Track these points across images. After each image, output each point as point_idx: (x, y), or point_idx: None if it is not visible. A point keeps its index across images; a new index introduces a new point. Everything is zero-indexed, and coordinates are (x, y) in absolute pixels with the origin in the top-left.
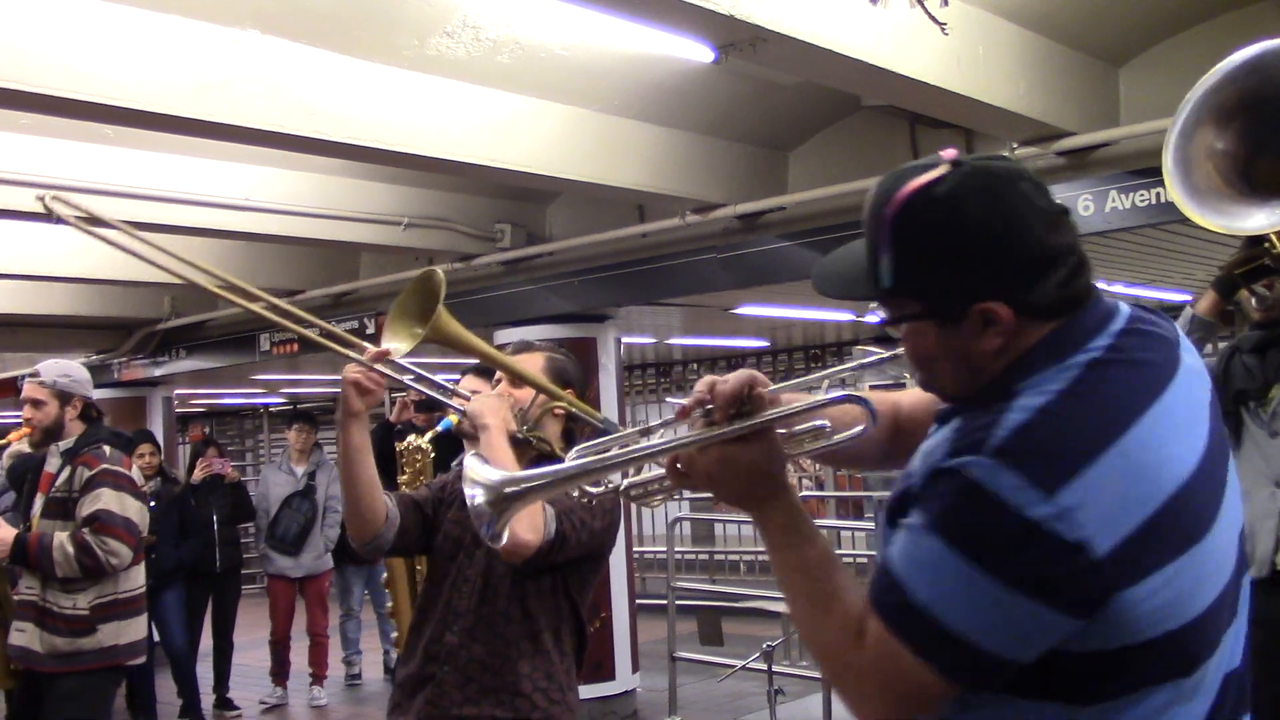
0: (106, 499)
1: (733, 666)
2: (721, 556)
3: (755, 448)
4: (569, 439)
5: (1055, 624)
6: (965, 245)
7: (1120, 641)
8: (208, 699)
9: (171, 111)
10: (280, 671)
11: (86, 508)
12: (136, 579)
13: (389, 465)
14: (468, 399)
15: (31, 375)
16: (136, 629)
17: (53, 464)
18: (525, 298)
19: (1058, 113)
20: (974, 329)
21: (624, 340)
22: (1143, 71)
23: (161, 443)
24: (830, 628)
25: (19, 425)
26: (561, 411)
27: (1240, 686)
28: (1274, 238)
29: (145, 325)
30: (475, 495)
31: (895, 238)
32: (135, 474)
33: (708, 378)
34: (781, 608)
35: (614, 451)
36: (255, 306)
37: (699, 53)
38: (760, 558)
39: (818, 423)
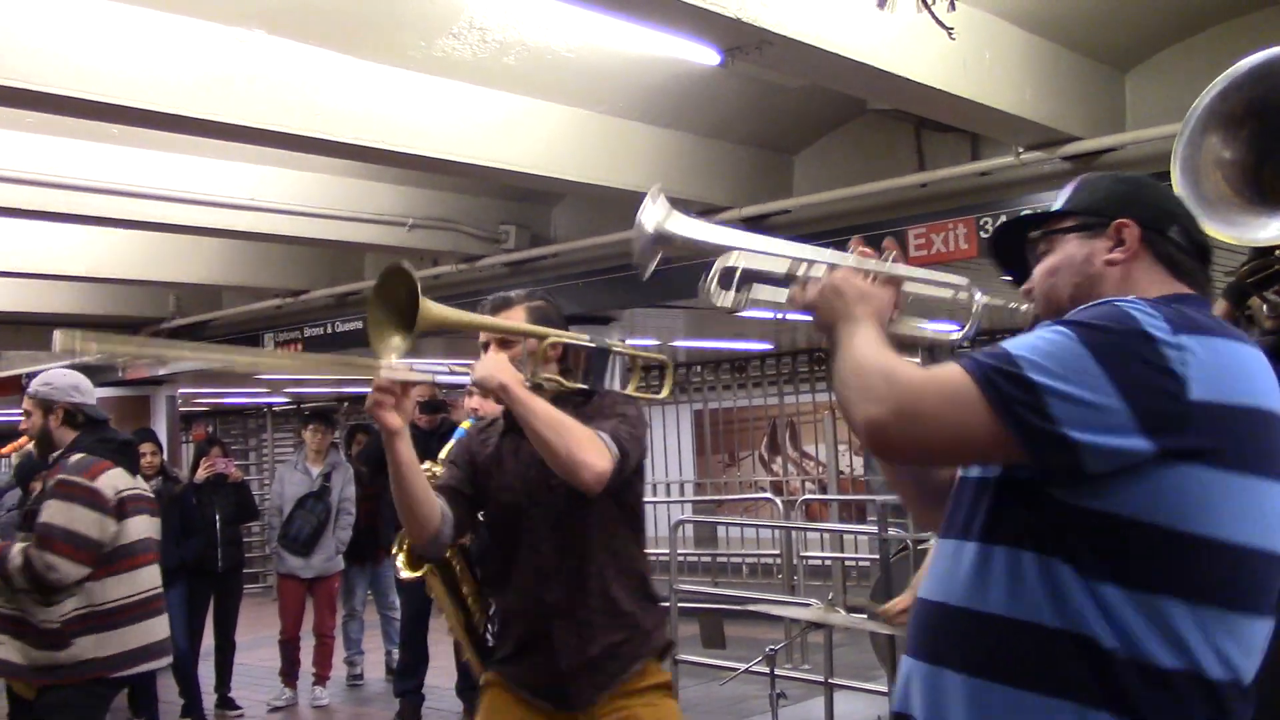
0: (51, 511)
1: (735, 669)
2: (724, 559)
3: (874, 287)
4: (567, 376)
5: (1125, 423)
6: (1128, 180)
7: (1169, 521)
8: (209, 699)
9: (177, 111)
10: (289, 672)
11: (39, 519)
12: (115, 590)
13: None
14: (467, 371)
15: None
16: (121, 640)
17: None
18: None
19: (1063, 117)
20: (1107, 243)
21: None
22: (1149, 76)
23: (165, 442)
24: (891, 359)
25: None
26: (556, 352)
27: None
28: None
29: (150, 324)
30: (641, 227)
31: (1076, 184)
32: (106, 482)
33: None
34: (784, 611)
35: (768, 244)
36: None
37: (705, 55)
38: (762, 560)
39: (921, 320)
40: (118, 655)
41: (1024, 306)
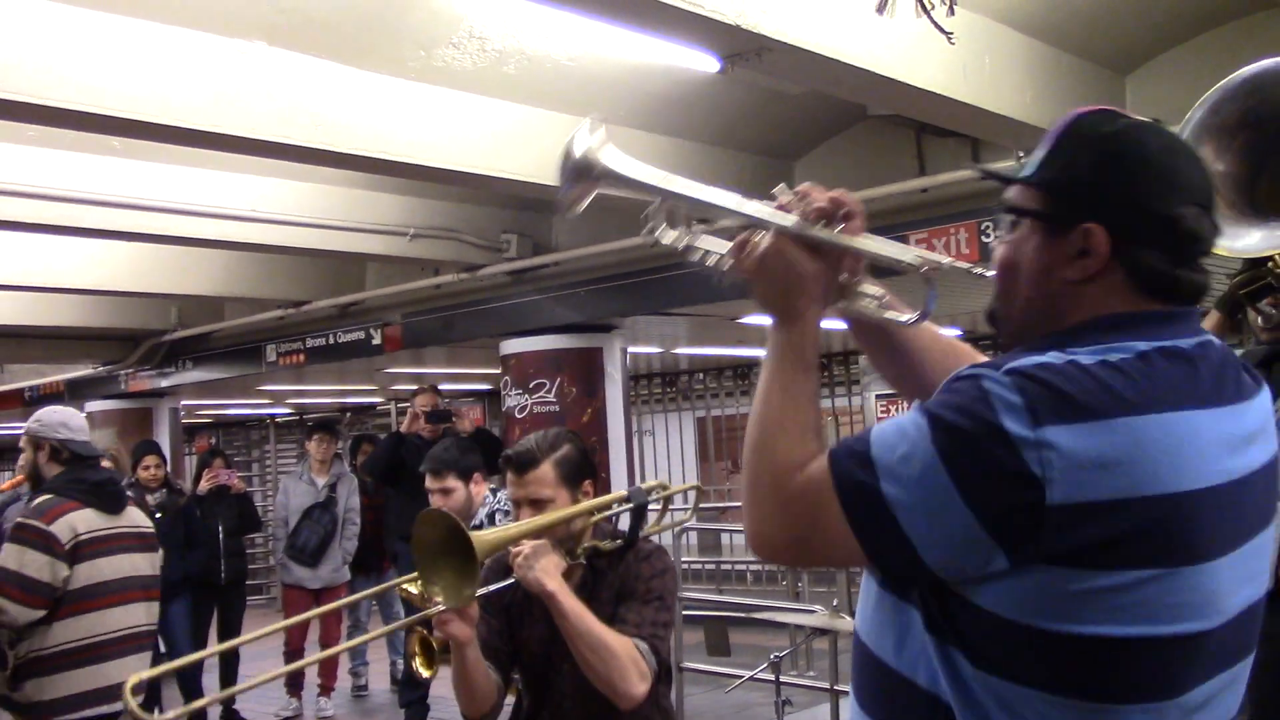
0: (5, 555)
1: (740, 677)
2: (728, 566)
3: (818, 264)
4: (599, 533)
5: (976, 544)
6: (1114, 162)
7: (1048, 621)
8: (214, 710)
9: (179, 123)
10: (295, 683)
11: None
12: (63, 635)
13: (400, 474)
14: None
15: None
16: (68, 684)
17: None
18: (532, 308)
19: None
20: (1070, 250)
21: (630, 350)
22: (1149, 80)
23: (168, 454)
24: (780, 447)
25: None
26: (587, 525)
27: None
28: (1277, 256)
29: (152, 336)
30: (569, 151)
31: (1059, 136)
32: (63, 526)
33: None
34: (790, 618)
35: (706, 192)
36: None
37: (704, 63)
38: (767, 567)
39: (878, 291)
40: (60, 700)
41: (989, 273)
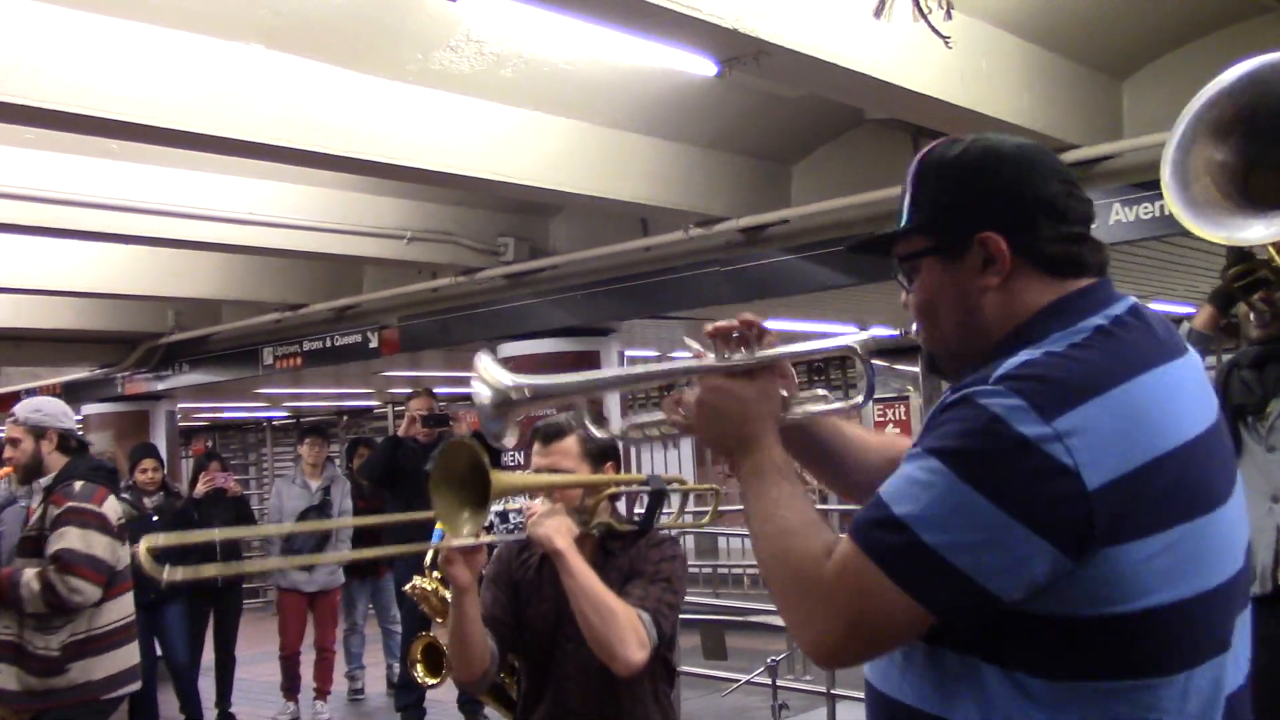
0: (70, 538)
1: (737, 681)
2: (725, 570)
3: (753, 386)
4: (617, 515)
5: (1038, 553)
6: (973, 173)
7: (1105, 607)
8: (210, 714)
9: (175, 126)
10: (291, 686)
11: (52, 546)
12: (112, 614)
13: (396, 478)
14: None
15: (9, 416)
16: (114, 663)
17: (35, 501)
18: (528, 311)
19: (1061, 126)
20: (974, 265)
21: (627, 354)
22: (1146, 84)
23: (164, 457)
24: (796, 548)
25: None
26: (613, 491)
27: (1243, 710)
28: (1271, 251)
29: (148, 339)
30: (481, 394)
31: (914, 179)
32: (109, 508)
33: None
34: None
35: (617, 371)
36: None
37: (702, 66)
38: None
39: (819, 390)
40: (109, 678)
41: (913, 329)
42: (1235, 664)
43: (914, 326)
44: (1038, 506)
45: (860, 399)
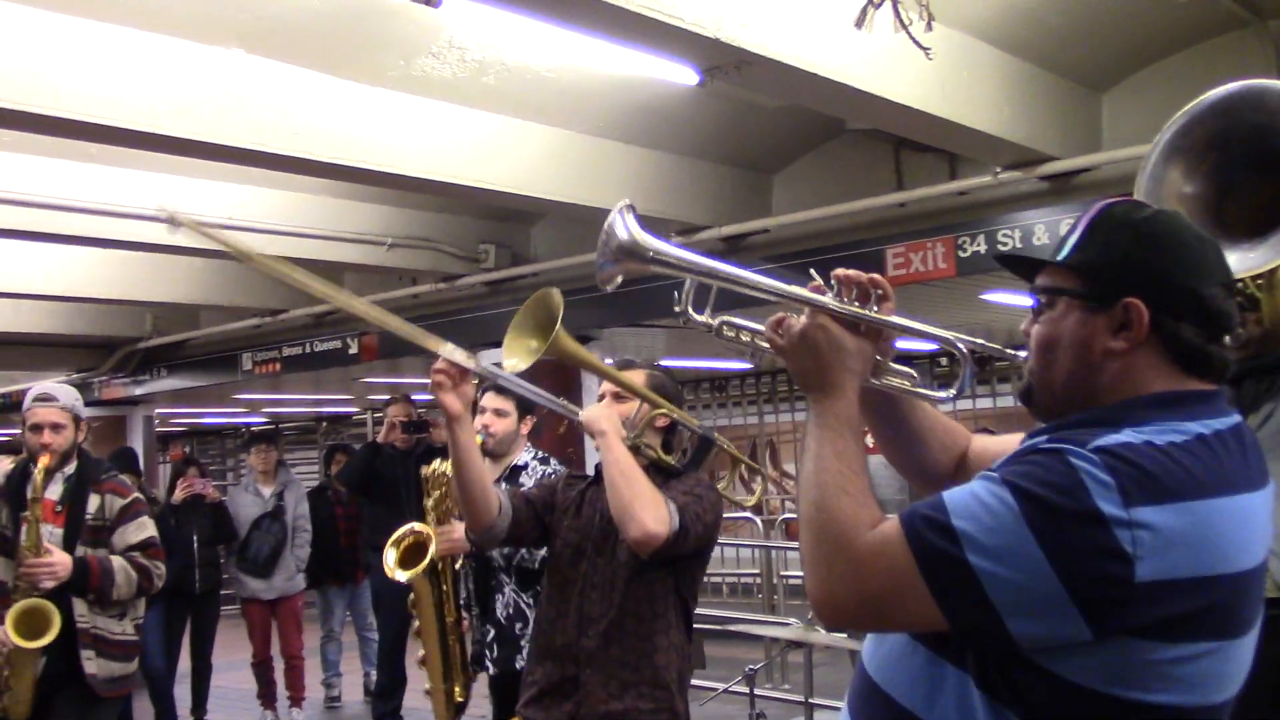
0: (149, 526)
1: (715, 690)
2: (705, 578)
3: (858, 339)
4: (667, 450)
5: (1065, 616)
6: (1148, 242)
7: (1118, 689)
8: None
9: (156, 130)
10: (267, 693)
11: (134, 535)
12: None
13: (375, 485)
14: (576, 412)
15: (44, 399)
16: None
17: (54, 490)
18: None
19: (1041, 137)
20: (1110, 325)
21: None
22: (1125, 97)
23: (142, 462)
24: (845, 507)
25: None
26: (664, 423)
27: None
28: (1246, 277)
29: (126, 344)
30: (615, 235)
31: (1091, 222)
32: None
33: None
34: (764, 631)
35: (742, 271)
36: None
37: (684, 75)
38: (743, 580)
39: (907, 370)
40: (134, 673)
41: (1021, 354)
42: None
43: (1022, 353)
44: (1084, 578)
45: (946, 394)
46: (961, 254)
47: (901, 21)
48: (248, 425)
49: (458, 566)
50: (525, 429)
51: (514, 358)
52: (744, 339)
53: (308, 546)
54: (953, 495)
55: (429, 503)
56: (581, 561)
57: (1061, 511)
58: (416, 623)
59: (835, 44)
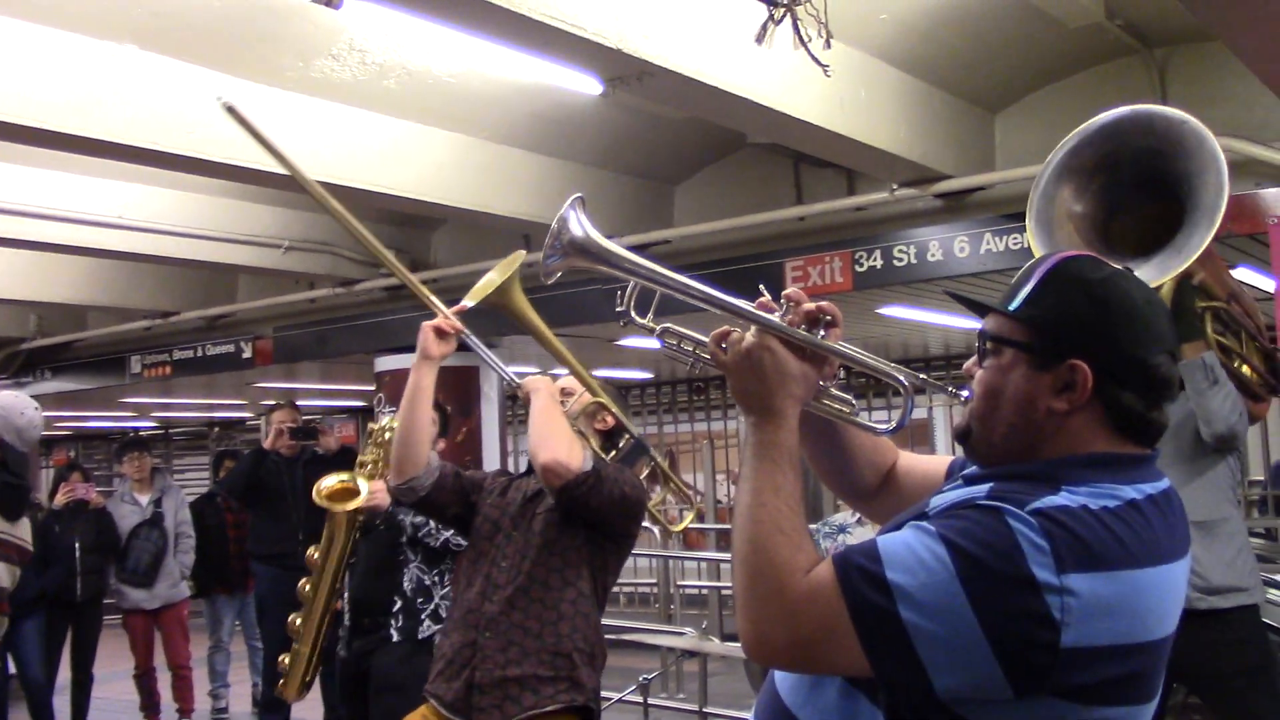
0: None
1: (610, 699)
2: None
3: (803, 364)
4: (605, 452)
5: (989, 676)
6: (1100, 306)
7: None
8: None
9: (43, 125)
10: (151, 705)
11: None
12: None
13: (259, 492)
14: (518, 383)
15: None
16: None
17: None
18: (408, 324)
19: (936, 156)
20: (1055, 383)
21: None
22: (1018, 119)
23: None
24: (782, 548)
25: None
26: (605, 425)
27: None
28: None
29: (9, 344)
30: (566, 230)
31: (1046, 275)
32: None
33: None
34: (660, 640)
35: (690, 280)
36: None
37: (587, 84)
38: (640, 589)
39: (849, 396)
40: None
41: (963, 395)
42: None
43: (965, 393)
44: (1013, 641)
45: (885, 427)
46: (858, 268)
47: (801, 38)
48: (136, 429)
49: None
50: (440, 446)
51: (473, 299)
52: (685, 348)
53: (192, 553)
54: (888, 545)
55: (364, 458)
56: (498, 534)
57: (996, 574)
58: (296, 619)
59: (737, 58)
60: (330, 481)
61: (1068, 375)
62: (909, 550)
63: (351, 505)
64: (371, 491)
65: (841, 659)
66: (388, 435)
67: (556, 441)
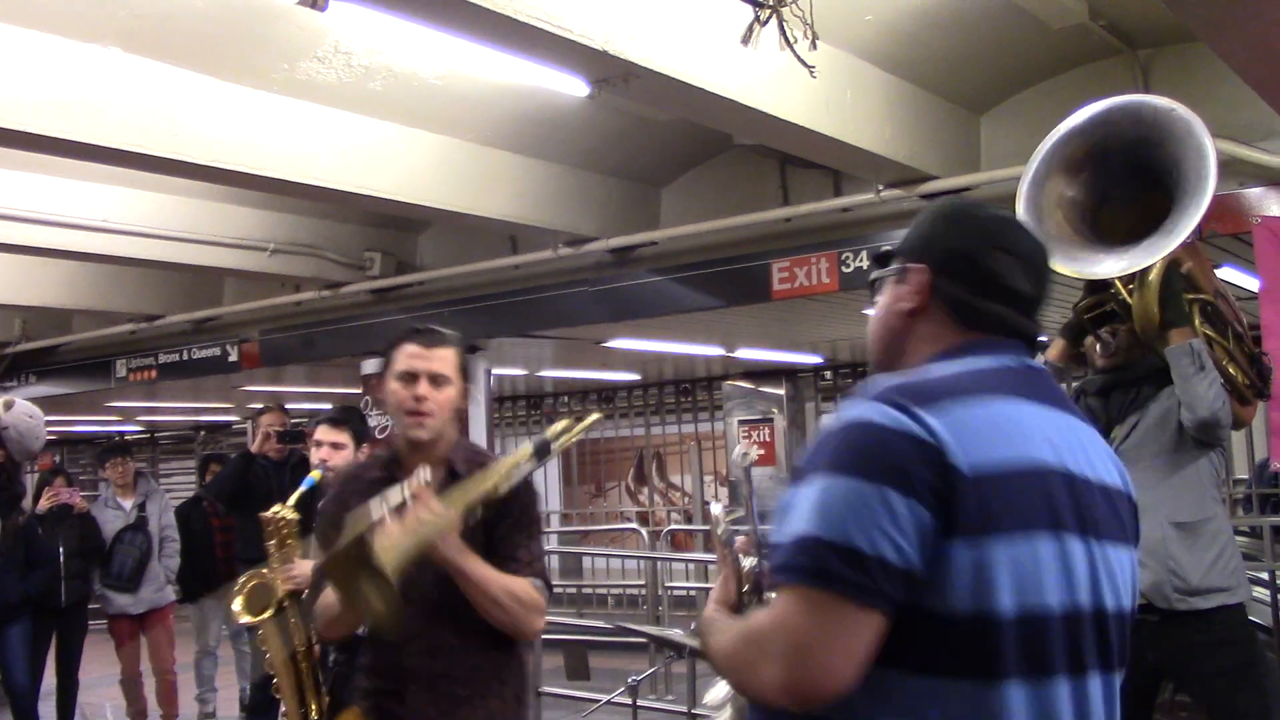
0: None
1: (598, 701)
2: (589, 590)
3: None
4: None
5: (913, 512)
6: (935, 218)
7: (950, 605)
8: None
9: (27, 128)
10: (138, 710)
11: None
12: None
13: (246, 497)
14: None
15: None
16: None
17: None
18: (394, 327)
19: (922, 157)
20: (905, 289)
21: (494, 372)
22: (1002, 119)
23: None
24: (733, 630)
25: None
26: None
27: None
28: (1119, 284)
29: None
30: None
31: (916, 220)
32: None
33: None
34: (650, 629)
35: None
36: None
37: (573, 86)
38: (628, 591)
39: None
40: None
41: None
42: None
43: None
44: (899, 471)
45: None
46: (845, 269)
47: (787, 40)
48: (121, 434)
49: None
50: (361, 456)
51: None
52: None
53: (177, 557)
54: (780, 534)
55: (271, 546)
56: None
57: (853, 446)
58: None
59: (723, 60)
60: (245, 584)
61: (909, 278)
62: (790, 512)
63: (268, 615)
64: (289, 577)
65: (845, 632)
66: (284, 530)
67: (521, 621)
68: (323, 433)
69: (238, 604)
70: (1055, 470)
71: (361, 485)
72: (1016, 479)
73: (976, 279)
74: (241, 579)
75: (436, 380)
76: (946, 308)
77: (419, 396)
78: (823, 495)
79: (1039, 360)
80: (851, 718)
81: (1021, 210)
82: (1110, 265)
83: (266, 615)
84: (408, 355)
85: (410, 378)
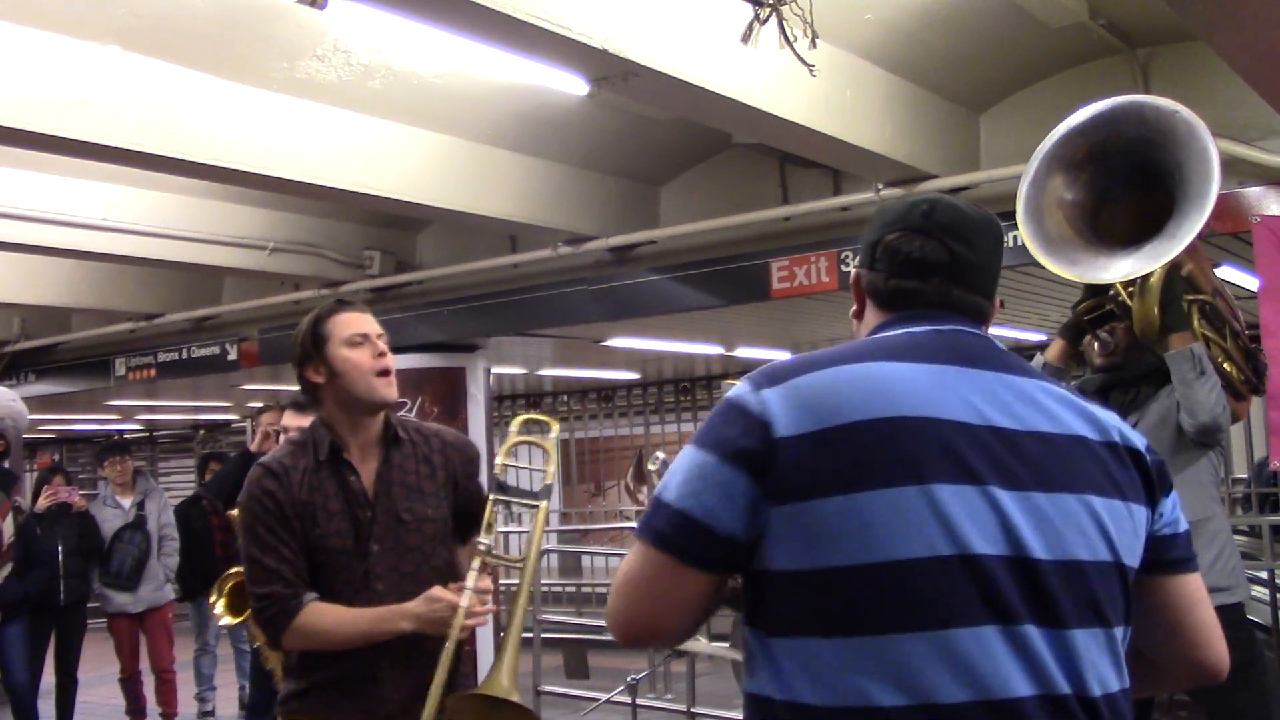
0: None
1: (597, 699)
2: (589, 589)
3: None
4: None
5: (735, 481)
6: (870, 222)
7: (791, 564)
8: None
9: (27, 127)
10: (137, 709)
11: None
12: None
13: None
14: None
15: None
16: None
17: None
18: (394, 326)
19: (921, 156)
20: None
21: (494, 370)
22: (1002, 118)
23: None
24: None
25: None
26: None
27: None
28: (1119, 286)
29: None
30: None
31: None
32: None
33: None
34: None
35: None
36: None
37: (572, 85)
38: None
39: None
40: None
41: None
42: (999, 664)
43: None
44: (729, 445)
45: None
46: (844, 268)
47: (786, 38)
48: (120, 432)
49: None
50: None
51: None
52: None
53: (176, 555)
54: (662, 489)
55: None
56: (351, 563)
57: (710, 422)
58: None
59: (722, 59)
60: (225, 582)
61: (852, 286)
62: (680, 470)
63: (249, 615)
64: None
65: (667, 584)
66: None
67: None
68: (289, 418)
69: (220, 605)
70: (938, 422)
71: (309, 476)
72: (858, 436)
73: (884, 262)
74: (220, 578)
75: (383, 339)
76: (870, 298)
77: (382, 353)
78: (679, 463)
79: (1037, 360)
80: (750, 678)
81: (1021, 210)
82: (1112, 270)
83: (248, 615)
84: (350, 321)
85: (363, 339)
